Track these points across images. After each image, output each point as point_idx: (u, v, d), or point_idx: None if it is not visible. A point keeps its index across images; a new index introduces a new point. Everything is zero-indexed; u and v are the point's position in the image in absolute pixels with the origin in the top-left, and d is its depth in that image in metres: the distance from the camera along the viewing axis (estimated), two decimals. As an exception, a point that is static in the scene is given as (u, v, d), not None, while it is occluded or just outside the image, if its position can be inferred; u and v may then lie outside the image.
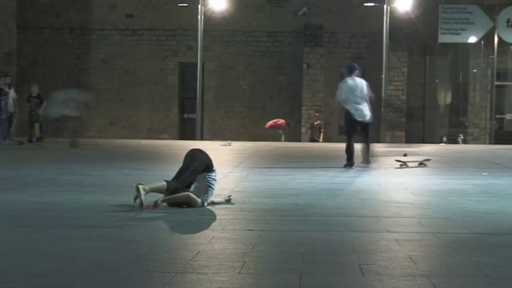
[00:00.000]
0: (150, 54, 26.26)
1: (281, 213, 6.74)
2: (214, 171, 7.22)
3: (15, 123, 19.85)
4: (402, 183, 9.64)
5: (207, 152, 7.38)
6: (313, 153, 16.09)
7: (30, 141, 19.10)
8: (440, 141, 23.79)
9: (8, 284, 3.97)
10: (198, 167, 7.11)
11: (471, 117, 26.45)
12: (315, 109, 24.51)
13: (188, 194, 6.95)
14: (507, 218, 6.65)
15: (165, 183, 6.99)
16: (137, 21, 26.26)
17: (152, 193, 6.92)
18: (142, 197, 6.76)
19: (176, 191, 6.98)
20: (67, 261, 4.56)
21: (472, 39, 25.44)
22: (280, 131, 23.31)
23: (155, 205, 6.77)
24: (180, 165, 7.18)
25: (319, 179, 10.15)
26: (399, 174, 11.23)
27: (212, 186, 7.14)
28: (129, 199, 7.41)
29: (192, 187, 7.05)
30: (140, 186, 6.80)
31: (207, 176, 7.12)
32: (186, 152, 7.36)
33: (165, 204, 6.98)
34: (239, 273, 4.29)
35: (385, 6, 23.94)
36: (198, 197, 6.98)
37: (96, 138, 23.85)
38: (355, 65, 12.78)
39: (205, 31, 24.50)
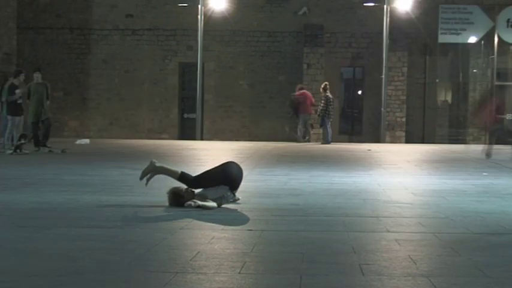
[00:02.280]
0: (150, 54, 26.22)
1: (281, 213, 6.74)
2: (235, 196, 7.28)
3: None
4: (402, 183, 9.64)
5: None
6: (313, 153, 16.08)
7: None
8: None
9: (8, 284, 3.97)
10: (219, 177, 7.21)
11: (471, 117, 26.40)
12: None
13: (216, 207, 7.01)
14: (507, 218, 6.65)
15: (179, 171, 7.30)
16: (137, 21, 26.23)
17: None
18: (148, 167, 7.24)
19: (187, 181, 7.17)
20: (67, 261, 4.56)
21: (472, 39, 25.39)
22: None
23: (188, 206, 6.84)
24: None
25: (319, 179, 10.14)
26: (399, 174, 11.23)
27: (223, 200, 7.12)
28: (129, 199, 7.42)
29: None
30: (153, 160, 7.33)
31: (228, 192, 7.13)
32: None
33: (166, 204, 7.02)
34: (239, 273, 4.29)
35: (385, 6, 23.93)
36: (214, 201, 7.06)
37: (96, 138, 23.83)
38: None
39: (205, 31, 24.48)
